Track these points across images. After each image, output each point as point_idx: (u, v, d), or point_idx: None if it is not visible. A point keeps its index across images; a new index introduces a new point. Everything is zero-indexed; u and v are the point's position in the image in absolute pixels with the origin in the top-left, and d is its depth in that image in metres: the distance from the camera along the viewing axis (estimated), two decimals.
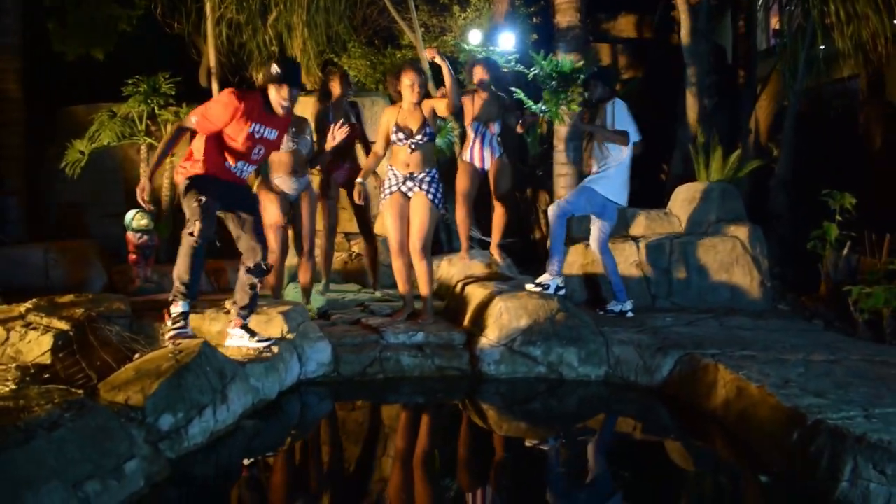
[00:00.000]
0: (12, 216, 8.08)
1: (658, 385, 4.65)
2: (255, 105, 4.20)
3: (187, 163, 4.24)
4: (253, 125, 4.19)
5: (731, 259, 6.35)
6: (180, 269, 4.06)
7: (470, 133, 5.99)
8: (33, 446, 2.64)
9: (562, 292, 5.41)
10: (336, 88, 6.04)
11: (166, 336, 4.07)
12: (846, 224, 6.46)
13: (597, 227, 5.87)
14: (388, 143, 5.23)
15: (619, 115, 5.64)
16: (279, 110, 4.26)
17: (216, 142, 4.21)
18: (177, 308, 4.10)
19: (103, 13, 8.52)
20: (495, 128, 5.99)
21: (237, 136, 4.19)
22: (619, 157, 5.68)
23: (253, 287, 4.41)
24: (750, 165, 7.62)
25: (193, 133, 4.24)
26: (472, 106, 5.94)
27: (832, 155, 8.83)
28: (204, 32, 7.79)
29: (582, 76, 6.59)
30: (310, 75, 8.21)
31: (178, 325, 4.06)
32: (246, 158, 4.31)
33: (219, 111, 4.13)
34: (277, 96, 4.23)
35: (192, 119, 4.17)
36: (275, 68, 4.21)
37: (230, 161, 4.26)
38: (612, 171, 5.68)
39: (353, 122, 6.00)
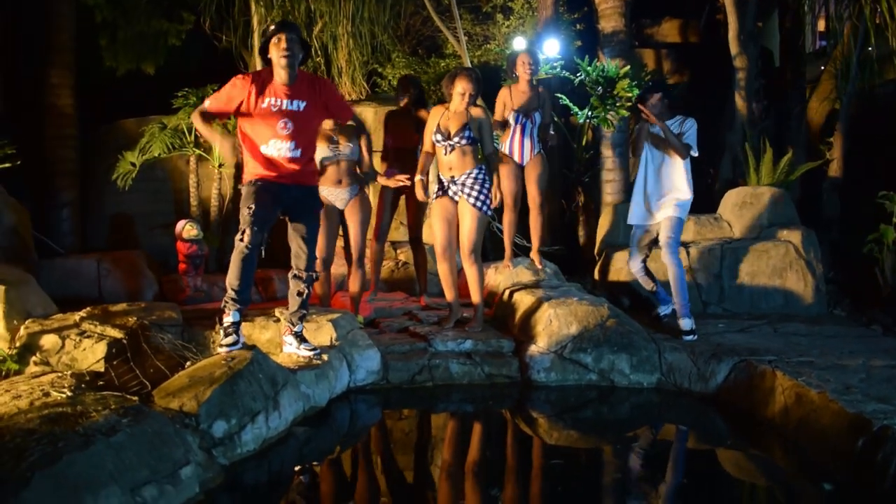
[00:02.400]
0: (66, 228, 8.26)
1: (712, 392, 4.56)
2: (267, 80, 4.15)
3: (245, 168, 4.29)
4: (268, 99, 4.12)
5: (784, 264, 6.23)
6: (231, 276, 4.08)
7: (510, 124, 5.92)
8: (93, 451, 2.66)
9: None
10: (401, 97, 6.10)
11: (219, 350, 4.04)
12: None
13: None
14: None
15: (693, 131, 5.39)
16: (281, 66, 4.08)
17: (247, 132, 4.21)
18: (228, 318, 4.09)
19: (153, 28, 8.69)
20: (535, 118, 5.90)
21: (254, 112, 4.13)
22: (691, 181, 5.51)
23: (300, 294, 4.42)
24: (801, 169, 7.48)
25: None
26: (511, 98, 5.88)
27: (886, 157, 8.62)
28: (251, 45, 7.90)
29: (628, 80, 6.54)
30: (356, 85, 8.27)
31: (229, 336, 4.03)
32: (275, 135, 4.16)
33: (227, 89, 4.14)
34: (277, 51, 4.07)
35: (205, 102, 4.20)
36: (270, 27, 4.16)
37: (263, 144, 4.17)
38: (691, 197, 5.45)
39: (408, 131, 6.01)
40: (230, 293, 4.09)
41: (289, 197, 4.25)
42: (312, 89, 4.27)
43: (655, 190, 5.45)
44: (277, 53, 4.07)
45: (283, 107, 4.15)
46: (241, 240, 4.03)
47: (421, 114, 5.99)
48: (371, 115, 7.77)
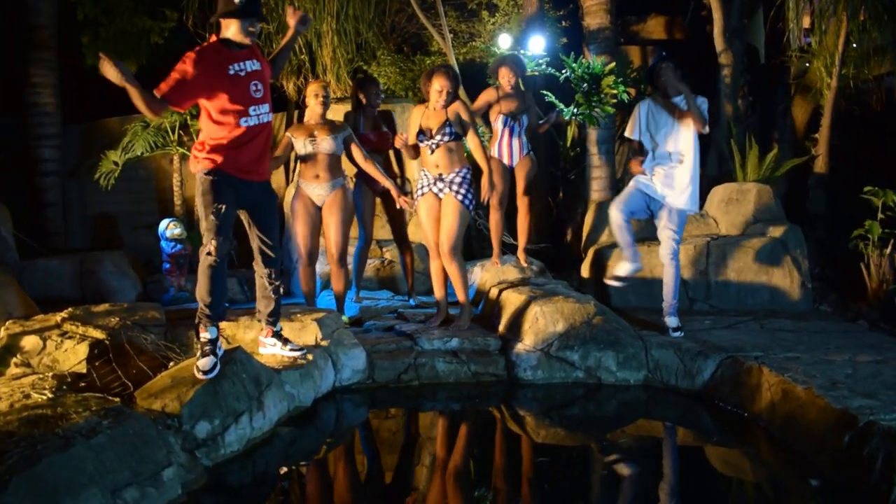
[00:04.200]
0: (48, 228, 8.20)
1: (699, 389, 4.55)
2: (218, 49, 3.86)
3: (201, 152, 3.93)
4: (230, 66, 3.84)
5: (770, 260, 6.23)
6: (201, 290, 3.84)
7: (497, 128, 5.89)
8: (72, 453, 2.63)
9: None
10: (361, 97, 6.02)
11: (197, 375, 3.68)
12: (889, 222, 6.31)
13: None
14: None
15: (704, 108, 5.10)
16: (244, 40, 3.85)
17: (215, 113, 3.88)
18: (205, 334, 3.81)
19: (136, 26, 8.61)
20: (523, 121, 5.89)
21: (224, 84, 3.83)
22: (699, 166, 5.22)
23: (275, 291, 4.30)
24: (787, 165, 7.51)
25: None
26: (499, 103, 5.86)
27: (871, 152, 8.66)
28: None
29: (613, 76, 6.52)
30: (340, 83, 8.23)
31: (206, 357, 3.72)
32: (252, 101, 3.91)
33: (184, 65, 3.76)
34: (238, 30, 3.82)
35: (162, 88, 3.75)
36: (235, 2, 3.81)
37: (244, 117, 3.88)
38: (697, 185, 5.20)
39: (383, 131, 5.98)
40: (203, 309, 3.85)
41: (249, 193, 4.01)
42: (257, 53, 4.03)
43: (673, 168, 5.14)
44: (241, 35, 3.84)
45: (248, 69, 3.91)
46: (209, 253, 3.79)
47: (382, 111, 6.03)
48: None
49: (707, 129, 5.14)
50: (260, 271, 4.27)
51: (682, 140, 5.12)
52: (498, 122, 5.85)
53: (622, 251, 5.35)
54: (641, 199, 5.27)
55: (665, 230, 5.20)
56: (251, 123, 3.92)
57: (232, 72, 3.85)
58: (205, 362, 3.67)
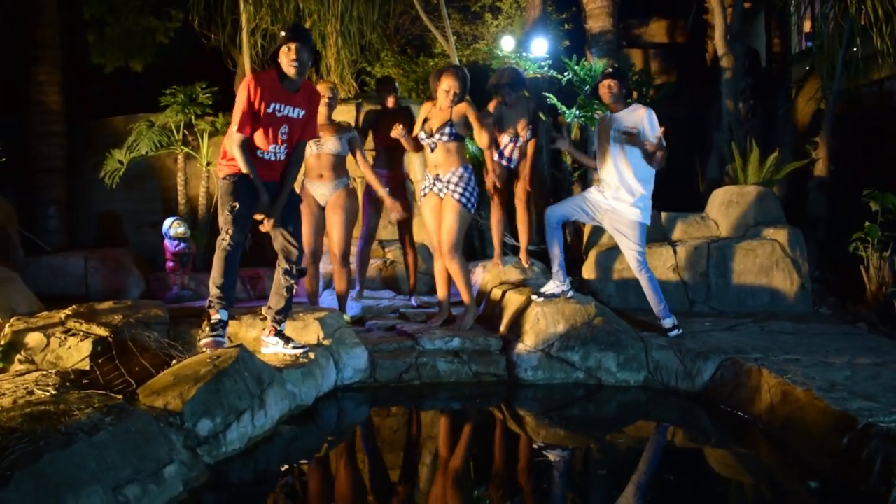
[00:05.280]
0: (52, 225, 8.24)
1: (699, 390, 4.57)
2: (272, 83, 4.16)
3: (224, 160, 4.26)
4: (272, 104, 4.15)
5: (770, 262, 6.24)
6: (215, 274, 4.08)
7: (503, 140, 5.90)
8: (74, 450, 2.64)
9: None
10: (386, 97, 6.17)
11: (201, 343, 4.04)
12: (889, 225, 6.33)
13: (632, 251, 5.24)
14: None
15: (651, 121, 5.03)
16: (291, 72, 4.14)
17: None
18: (216, 316, 4.08)
19: (141, 25, 8.65)
20: (527, 134, 5.89)
21: (259, 116, 4.15)
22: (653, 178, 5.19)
23: (289, 290, 4.43)
24: (788, 168, 7.52)
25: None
26: (502, 115, 5.84)
27: (871, 155, 8.67)
28: (239, 43, 7.86)
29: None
30: (344, 84, 8.25)
31: (215, 332, 4.03)
32: (274, 140, 4.23)
33: (242, 98, 4.10)
34: (287, 59, 4.14)
35: (234, 129, 4.11)
36: (281, 33, 4.22)
37: (260, 147, 4.21)
38: (650, 196, 5.18)
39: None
40: (215, 292, 4.09)
41: (269, 192, 4.26)
42: (310, 101, 4.39)
43: (618, 182, 5.15)
44: (286, 62, 4.14)
45: (287, 113, 4.24)
46: (224, 238, 4.05)
47: (403, 108, 6.06)
48: (361, 114, 7.76)
49: (656, 141, 4.96)
50: (281, 267, 4.45)
51: (621, 157, 5.11)
52: (503, 136, 5.86)
53: (551, 264, 5.38)
54: (579, 207, 5.35)
55: (623, 241, 5.22)
56: (264, 157, 4.24)
57: (271, 109, 4.17)
58: (215, 332, 4.02)
